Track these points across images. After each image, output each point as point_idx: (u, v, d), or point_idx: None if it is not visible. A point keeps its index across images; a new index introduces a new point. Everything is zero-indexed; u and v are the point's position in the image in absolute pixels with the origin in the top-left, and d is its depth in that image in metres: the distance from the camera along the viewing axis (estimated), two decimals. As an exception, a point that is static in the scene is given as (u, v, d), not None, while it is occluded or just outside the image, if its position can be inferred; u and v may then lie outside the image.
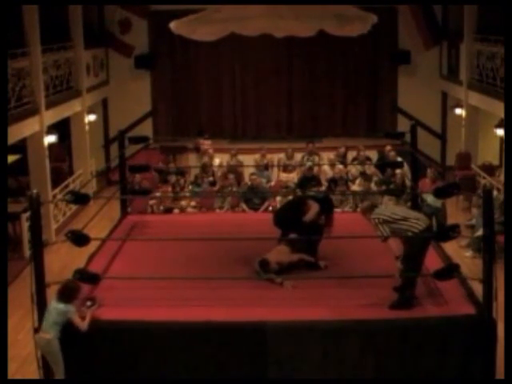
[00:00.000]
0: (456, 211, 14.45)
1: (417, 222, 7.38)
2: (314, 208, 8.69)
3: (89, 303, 7.31)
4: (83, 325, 6.98)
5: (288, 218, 8.90)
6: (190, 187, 15.09)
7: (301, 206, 8.81)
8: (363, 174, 14.96)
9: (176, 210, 14.10)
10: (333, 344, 7.02)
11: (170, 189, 14.90)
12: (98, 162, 17.95)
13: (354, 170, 15.33)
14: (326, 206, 8.88)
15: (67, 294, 7.04)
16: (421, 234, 7.32)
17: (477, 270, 8.13)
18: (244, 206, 14.12)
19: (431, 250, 8.79)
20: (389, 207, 7.84)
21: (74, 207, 15.26)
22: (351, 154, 16.25)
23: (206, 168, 15.21)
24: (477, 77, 15.78)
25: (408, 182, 13.15)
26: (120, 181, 10.98)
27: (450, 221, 11.76)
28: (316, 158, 16.00)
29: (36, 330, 6.97)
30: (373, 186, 14.68)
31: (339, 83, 19.14)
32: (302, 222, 8.58)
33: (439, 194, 8.23)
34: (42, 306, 7.12)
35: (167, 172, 15.44)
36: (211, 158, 16.01)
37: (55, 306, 6.98)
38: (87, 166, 16.89)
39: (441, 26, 18.36)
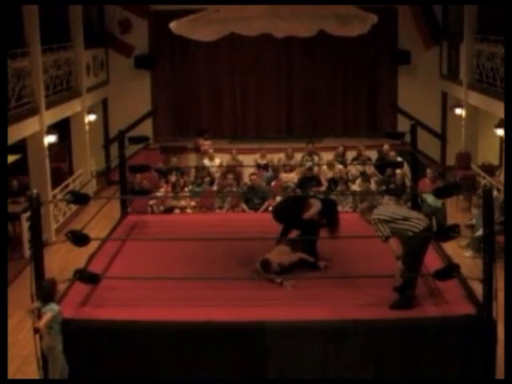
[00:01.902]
0: (456, 211, 14.45)
1: (418, 221, 7.38)
2: (315, 207, 8.68)
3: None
4: (42, 324, 6.78)
5: (288, 213, 8.91)
6: (190, 187, 15.10)
7: (302, 204, 8.81)
8: (363, 174, 14.96)
9: (176, 210, 14.11)
10: (333, 344, 7.01)
11: (169, 188, 14.90)
12: (98, 162, 17.96)
13: (354, 169, 15.34)
14: (328, 209, 8.85)
15: (45, 296, 6.93)
16: (421, 234, 7.33)
17: (477, 269, 8.13)
18: (244, 206, 14.13)
19: (431, 249, 8.80)
20: (389, 207, 7.88)
21: (74, 207, 15.26)
22: (351, 154, 16.25)
23: (199, 170, 15.24)
24: (477, 77, 15.78)
25: (408, 182, 13.15)
26: (120, 181, 10.97)
27: (450, 221, 11.75)
28: (316, 158, 16.01)
29: (36, 330, 6.95)
30: (373, 186, 14.68)
31: (339, 83, 19.15)
32: (302, 219, 8.58)
33: (439, 193, 8.24)
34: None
35: (167, 171, 15.45)
36: (211, 158, 16.03)
37: (43, 309, 6.91)
38: (87, 166, 16.89)
39: (441, 26, 18.37)
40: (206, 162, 15.96)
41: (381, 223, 7.27)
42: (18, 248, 12.84)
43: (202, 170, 15.32)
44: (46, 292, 6.92)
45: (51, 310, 6.82)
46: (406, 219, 7.33)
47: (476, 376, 7.02)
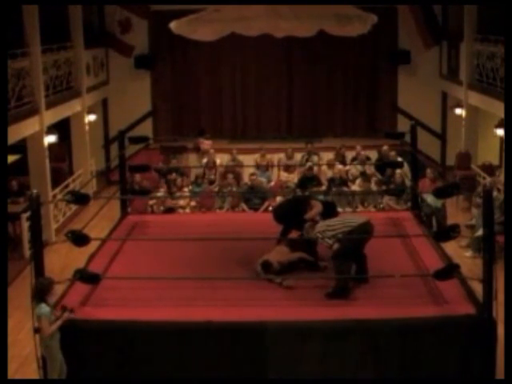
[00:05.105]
0: (456, 211, 14.45)
1: (348, 223, 7.83)
2: (316, 207, 8.68)
3: (67, 313, 7.08)
4: (48, 329, 6.80)
5: (289, 214, 8.92)
6: (190, 187, 15.10)
7: (303, 204, 8.82)
8: (363, 174, 14.96)
9: (179, 210, 14.11)
10: (333, 344, 7.02)
11: (167, 188, 14.90)
12: (98, 162, 17.96)
13: (354, 169, 15.33)
14: (328, 212, 8.84)
15: (38, 292, 6.91)
16: (350, 234, 7.70)
17: (477, 269, 8.14)
18: (244, 205, 14.13)
19: (431, 249, 8.82)
20: (326, 221, 8.21)
21: (74, 207, 15.26)
22: (351, 154, 16.25)
23: (209, 165, 15.24)
24: (477, 77, 15.78)
25: (408, 182, 13.15)
26: (120, 181, 10.97)
27: (450, 221, 11.76)
28: (315, 158, 16.01)
29: (36, 330, 6.95)
30: (373, 186, 14.68)
31: (339, 83, 19.15)
32: (303, 219, 8.58)
33: (439, 194, 8.25)
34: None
35: (167, 171, 15.45)
36: (212, 156, 16.01)
37: (35, 311, 6.91)
38: (87, 166, 16.90)
39: (441, 26, 18.36)
40: (205, 160, 15.93)
41: (321, 234, 7.87)
42: (18, 248, 12.84)
43: (212, 165, 15.33)
44: (39, 289, 6.90)
45: (44, 314, 6.80)
46: (339, 222, 7.90)
47: (476, 376, 7.03)
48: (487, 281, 6.95)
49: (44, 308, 6.84)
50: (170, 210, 14.06)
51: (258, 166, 15.57)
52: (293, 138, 18.55)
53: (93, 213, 9.72)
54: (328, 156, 16.56)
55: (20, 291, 9.64)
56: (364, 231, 7.84)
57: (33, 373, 7.72)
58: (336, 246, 7.77)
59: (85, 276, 7.75)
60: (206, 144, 16.80)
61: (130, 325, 7.16)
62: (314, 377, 7.07)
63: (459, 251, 11.95)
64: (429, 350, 7.03)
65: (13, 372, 8.34)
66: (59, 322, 6.91)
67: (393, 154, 15.02)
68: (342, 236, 7.75)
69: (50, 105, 14.25)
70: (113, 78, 19.01)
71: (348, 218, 8.24)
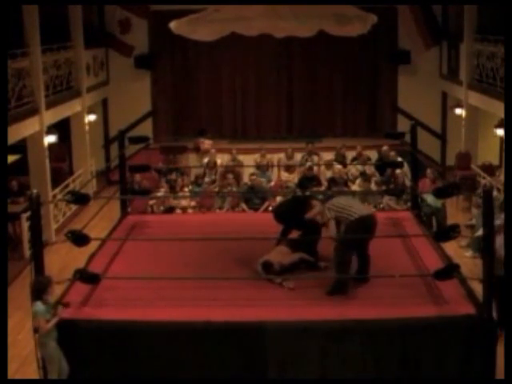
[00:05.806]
0: (456, 211, 14.45)
1: (351, 211, 7.84)
2: (317, 207, 8.69)
3: (61, 308, 7.12)
4: (44, 326, 6.81)
5: (289, 214, 8.92)
6: (190, 187, 15.09)
7: (304, 204, 8.82)
8: (363, 174, 14.96)
9: (177, 211, 14.10)
10: (333, 344, 7.01)
11: (167, 188, 14.89)
12: (98, 162, 17.97)
13: (354, 169, 15.33)
14: None
15: (35, 290, 6.91)
16: (354, 224, 7.73)
17: (477, 270, 8.14)
18: (244, 206, 14.13)
19: (431, 249, 8.82)
20: (338, 198, 8.29)
21: (74, 207, 15.26)
22: (351, 154, 16.26)
23: (210, 165, 15.23)
24: (477, 77, 15.78)
25: (408, 182, 13.15)
26: (120, 181, 10.96)
27: (450, 221, 11.76)
28: (315, 158, 16.01)
29: (36, 330, 6.96)
30: (373, 186, 14.68)
31: (339, 83, 19.16)
32: (303, 219, 8.59)
33: (439, 194, 8.25)
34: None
35: (167, 171, 15.45)
36: (213, 156, 16.02)
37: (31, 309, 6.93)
38: (87, 166, 16.90)
39: (441, 26, 18.37)
40: (206, 160, 15.94)
41: (328, 210, 8.03)
42: (18, 248, 12.85)
43: (213, 164, 15.34)
44: (36, 287, 6.91)
45: (39, 312, 6.81)
46: (343, 208, 7.93)
47: (476, 376, 7.03)
48: (487, 281, 6.95)
49: (39, 306, 6.84)
50: (171, 210, 14.05)
51: (258, 166, 15.57)
52: (293, 137, 18.57)
53: (93, 213, 9.72)
54: (328, 156, 16.57)
55: (20, 291, 9.65)
56: (365, 224, 7.82)
57: (33, 373, 7.72)
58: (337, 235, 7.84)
59: (85, 276, 7.75)
60: (206, 144, 16.77)
61: (130, 325, 7.16)
62: (313, 377, 7.07)
63: (459, 251, 11.95)
64: (429, 350, 7.02)
65: (13, 372, 8.34)
66: (55, 320, 6.91)
67: (393, 154, 15.03)
68: (345, 226, 7.80)
69: (49, 105, 14.26)
70: (113, 78, 19.02)
71: (354, 206, 8.13)
